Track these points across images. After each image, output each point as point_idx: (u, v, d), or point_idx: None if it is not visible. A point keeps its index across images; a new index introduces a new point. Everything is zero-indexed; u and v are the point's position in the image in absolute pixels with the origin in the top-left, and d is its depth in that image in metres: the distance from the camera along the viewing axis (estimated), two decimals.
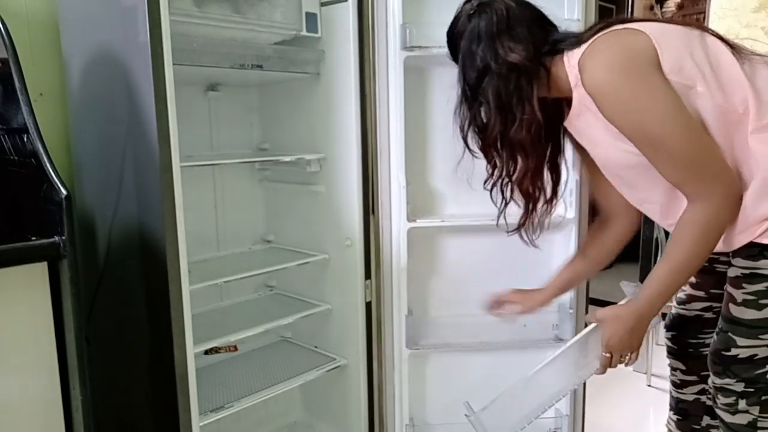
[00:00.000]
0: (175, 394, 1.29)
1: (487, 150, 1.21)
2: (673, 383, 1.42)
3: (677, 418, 1.42)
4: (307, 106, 1.74)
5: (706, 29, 1.09)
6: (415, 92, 1.67)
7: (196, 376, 1.32)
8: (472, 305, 1.78)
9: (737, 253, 1.10)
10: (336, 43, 1.61)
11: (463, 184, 1.73)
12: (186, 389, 1.30)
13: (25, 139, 1.13)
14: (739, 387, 1.13)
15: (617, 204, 1.32)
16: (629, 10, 4.25)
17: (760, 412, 1.12)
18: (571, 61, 1.10)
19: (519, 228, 1.29)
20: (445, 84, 1.70)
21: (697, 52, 1.04)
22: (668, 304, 1.24)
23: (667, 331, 1.42)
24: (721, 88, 1.03)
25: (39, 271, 1.08)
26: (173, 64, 1.21)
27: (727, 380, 1.14)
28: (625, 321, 1.15)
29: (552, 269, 1.77)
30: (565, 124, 1.20)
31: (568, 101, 1.15)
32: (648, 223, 2.52)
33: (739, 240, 1.07)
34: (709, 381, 1.20)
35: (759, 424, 1.13)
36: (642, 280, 2.61)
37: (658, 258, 2.49)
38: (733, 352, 1.12)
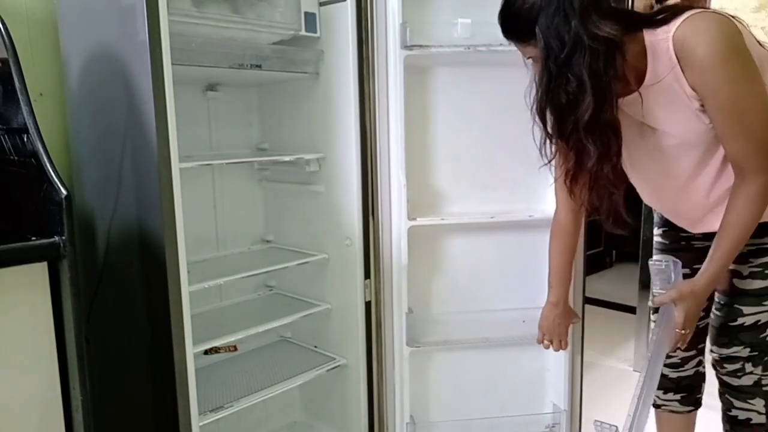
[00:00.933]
0: (174, 394, 1.29)
1: (572, 133, 1.12)
2: (672, 365, 1.44)
3: (682, 396, 1.46)
4: (306, 105, 1.74)
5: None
6: (416, 91, 1.68)
7: (196, 376, 1.32)
8: (473, 303, 1.79)
9: None
10: (335, 43, 1.61)
11: (463, 182, 1.74)
12: (186, 389, 1.30)
13: (25, 139, 1.13)
14: (746, 352, 1.25)
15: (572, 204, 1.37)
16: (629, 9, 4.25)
17: (763, 370, 1.25)
18: (658, 35, 1.10)
19: (614, 220, 1.22)
20: (447, 83, 1.71)
21: (753, 43, 1.12)
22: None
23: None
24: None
25: (39, 271, 1.08)
26: (172, 63, 1.21)
27: (734, 348, 1.26)
28: (700, 296, 1.20)
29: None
30: (630, 100, 1.17)
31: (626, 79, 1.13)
32: (648, 223, 2.52)
33: None
34: (712, 354, 1.31)
35: (763, 382, 1.26)
36: (642, 279, 2.61)
37: None
38: (740, 321, 1.24)
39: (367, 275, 1.68)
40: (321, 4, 1.62)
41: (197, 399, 1.34)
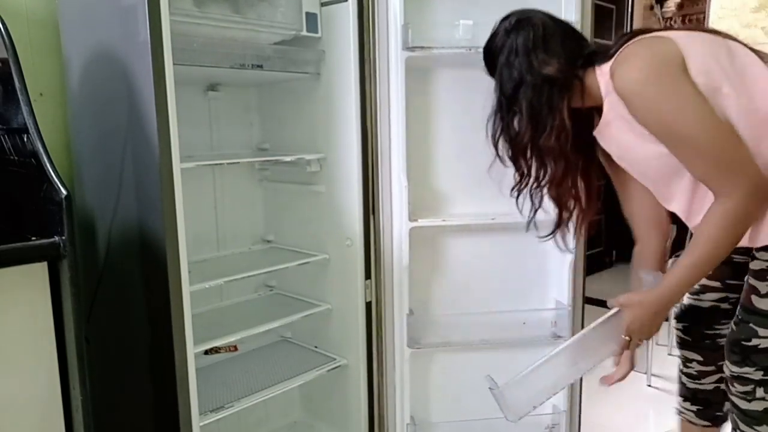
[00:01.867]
0: (175, 394, 1.29)
1: (517, 157, 1.28)
2: (689, 375, 1.43)
3: (698, 408, 1.44)
4: (307, 106, 1.74)
5: (730, 36, 1.14)
6: (418, 92, 1.67)
7: (196, 376, 1.32)
8: (474, 304, 1.79)
9: (763, 247, 1.13)
10: (336, 43, 1.61)
11: (465, 183, 1.74)
12: (186, 389, 1.30)
13: (25, 139, 1.12)
14: (758, 375, 1.17)
15: (647, 219, 1.36)
16: (629, 10, 4.25)
17: None
18: (603, 70, 1.16)
19: (553, 233, 1.37)
20: (448, 84, 1.71)
21: (721, 56, 1.09)
22: None
23: (678, 321, 1.44)
24: (746, 90, 1.08)
25: (39, 271, 1.08)
26: (173, 63, 1.21)
27: (746, 369, 1.18)
28: (648, 307, 1.20)
29: (552, 269, 1.78)
30: (595, 133, 1.25)
31: (599, 112, 1.21)
32: None
33: (766, 237, 1.11)
34: (725, 369, 1.23)
35: None
36: None
37: None
38: (754, 342, 1.15)
39: (367, 276, 1.68)
40: (322, 5, 1.62)
41: (198, 399, 1.33)
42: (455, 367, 1.81)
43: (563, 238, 1.38)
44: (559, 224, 1.35)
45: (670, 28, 1.19)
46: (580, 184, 1.30)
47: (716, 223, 1.09)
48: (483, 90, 1.68)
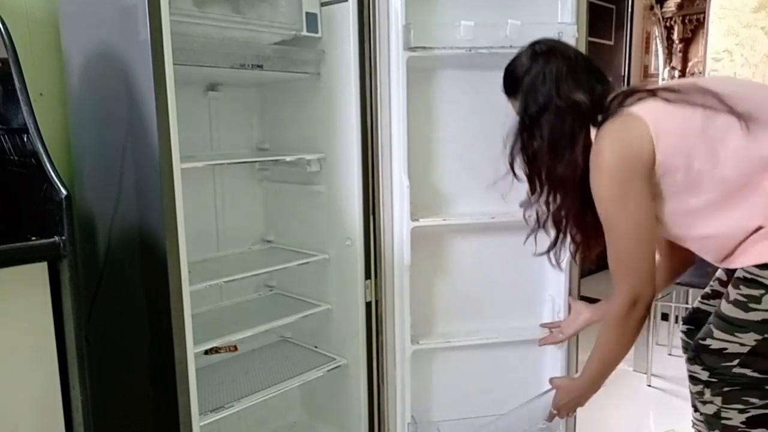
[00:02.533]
0: (175, 394, 1.29)
1: (531, 177, 1.33)
2: None
3: None
4: (307, 106, 1.74)
5: (733, 111, 1.13)
6: (419, 92, 1.67)
7: (196, 376, 1.32)
8: (474, 305, 1.79)
9: (757, 265, 1.14)
10: (336, 43, 1.61)
11: (466, 183, 1.74)
12: (186, 389, 1.30)
13: (25, 139, 1.12)
14: (704, 375, 1.21)
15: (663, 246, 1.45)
16: (629, 10, 4.25)
17: (723, 403, 1.19)
18: (593, 134, 1.24)
19: (547, 252, 1.43)
20: (449, 84, 1.71)
21: (693, 132, 1.14)
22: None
23: (683, 324, 1.46)
24: (718, 161, 1.13)
25: (39, 271, 1.08)
26: (173, 63, 1.20)
27: (695, 367, 1.23)
28: (571, 393, 1.46)
29: (551, 268, 1.78)
30: None
31: None
32: None
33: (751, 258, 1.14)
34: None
35: (722, 414, 1.20)
36: None
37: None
38: (707, 341, 1.20)
39: (367, 276, 1.68)
40: (323, 5, 1.61)
41: (197, 399, 1.33)
42: (455, 366, 1.82)
43: (557, 257, 1.43)
44: (554, 245, 1.41)
45: (654, 93, 1.20)
46: (586, 219, 1.30)
47: (608, 328, 1.29)
48: (483, 90, 1.69)
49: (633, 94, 1.21)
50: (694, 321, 1.41)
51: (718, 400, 1.19)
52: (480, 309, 1.80)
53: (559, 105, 1.23)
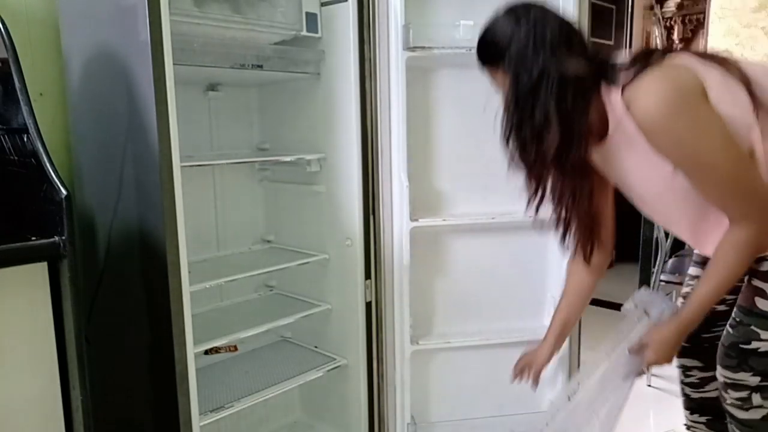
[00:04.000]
0: (175, 394, 1.29)
1: (533, 163, 1.14)
2: (691, 384, 1.39)
3: (707, 419, 1.39)
4: (307, 106, 1.74)
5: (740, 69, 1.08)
6: (419, 92, 1.68)
7: (196, 376, 1.32)
8: (475, 304, 1.79)
9: None
10: (336, 43, 1.61)
11: (466, 183, 1.74)
12: (186, 389, 1.30)
13: (25, 139, 1.12)
14: (754, 381, 1.12)
15: (605, 234, 1.31)
16: (629, 10, 4.25)
17: None
18: (611, 90, 1.09)
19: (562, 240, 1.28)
20: (448, 84, 1.71)
21: (733, 87, 1.06)
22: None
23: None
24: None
25: (39, 271, 1.08)
26: (173, 63, 1.21)
27: (741, 374, 1.13)
28: (670, 340, 1.18)
29: (552, 268, 1.78)
30: (595, 153, 1.18)
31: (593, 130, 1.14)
32: (648, 223, 2.52)
33: None
34: (718, 376, 1.18)
35: None
36: (642, 280, 2.61)
37: (659, 258, 2.49)
38: (754, 345, 1.11)
39: (367, 276, 1.68)
40: (322, 5, 1.62)
41: (198, 399, 1.33)
42: (455, 367, 1.82)
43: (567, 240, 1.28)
44: (564, 235, 1.27)
45: (672, 49, 1.13)
46: (592, 203, 1.21)
47: (735, 250, 1.08)
48: (484, 90, 1.68)
49: (656, 52, 1.08)
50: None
51: None
52: (480, 309, 1.80)
53: (559, 74, 1.06)
